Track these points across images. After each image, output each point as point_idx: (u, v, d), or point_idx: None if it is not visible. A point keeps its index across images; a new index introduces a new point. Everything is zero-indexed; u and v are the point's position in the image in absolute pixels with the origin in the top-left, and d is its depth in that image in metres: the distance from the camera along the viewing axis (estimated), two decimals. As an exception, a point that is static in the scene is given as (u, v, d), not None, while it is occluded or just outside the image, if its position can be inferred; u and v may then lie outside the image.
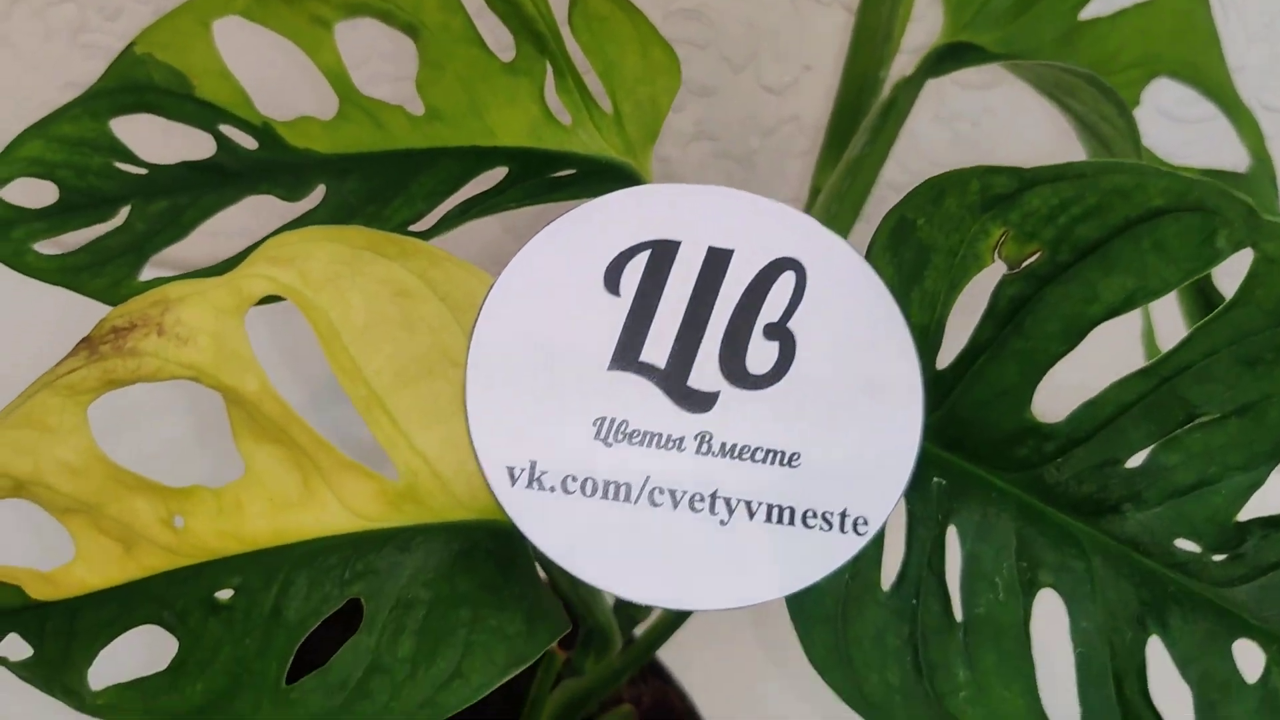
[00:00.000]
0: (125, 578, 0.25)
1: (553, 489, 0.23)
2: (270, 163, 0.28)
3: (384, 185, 0.27)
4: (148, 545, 0.24)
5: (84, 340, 0.23)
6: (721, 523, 0.23)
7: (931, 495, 0.24)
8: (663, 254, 0.24)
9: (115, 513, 0.24)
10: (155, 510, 0.24)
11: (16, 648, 0.26)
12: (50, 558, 0.26)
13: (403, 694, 0.22)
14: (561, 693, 0.34)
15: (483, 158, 0.27)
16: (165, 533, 0.24)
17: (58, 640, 0.25)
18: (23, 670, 0.26)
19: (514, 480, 0.23)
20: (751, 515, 0.23)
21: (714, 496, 0.23)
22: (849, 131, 0.33)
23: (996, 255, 0.22)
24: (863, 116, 0.33)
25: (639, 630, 0.35)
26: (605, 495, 0.23)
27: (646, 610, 0.34)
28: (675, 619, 0.33)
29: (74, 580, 0.25)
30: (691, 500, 0.23)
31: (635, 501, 0.23)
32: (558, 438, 0.23)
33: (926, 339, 0.24)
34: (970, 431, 0.24)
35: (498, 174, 0.28)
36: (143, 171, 0.29)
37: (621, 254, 0.24)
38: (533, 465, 0.23)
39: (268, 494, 0.24)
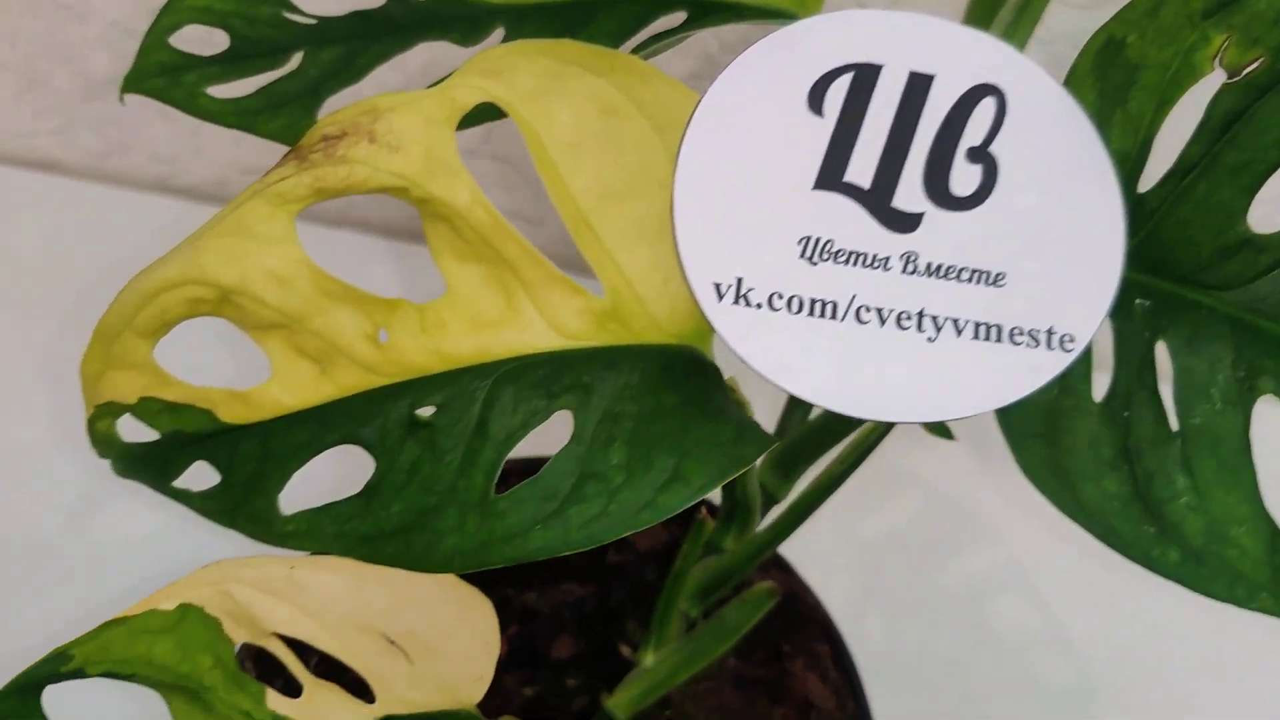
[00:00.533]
0: (322, 399, 0.25)
1: (759, 306, 0.23)
2: (443, 12, 0.28)
3: (562, 28, 0.27)
4: (347, 364, 0.24)
5: (293, 149, 0.23)
6: (929, 340, 0.23)
7: (1136, 316, 0.24)
8: (866, 77, 0.24)
9: (318, 327, 0.24)
10: (360, 324, 0.24)
11: (198, 479, 0.26)
12: (240, 385, 0.26)
13: (620, 497, 0.22)
14: (702, 570, 0.34)
15: (662, 1, 0.27)
16: (367, 349, 0.24)
17: (249, 465, 0.25)
18: (206, 502, 0.26)
19: (721, 296, 0.23)
20: (959, 332, 0.23)
21: (920, 314, 0.23)
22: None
23: (1216, 64, 0.22)
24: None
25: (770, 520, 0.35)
26: (812, 313, 0.23)
27: (788, 486, 0.34)
28: (816, 498, 0.33)
29: (269, 401, 0.25)
30: (898, 318, 0.23)
31: (842, 319, 0.23)
32: (764, 256, 0.23)
33: (1128, 162, 0.24)
34: (1174, 252, 0.24)
35: (676, 18, 0.28)
36: (312, 21, 0.29)
37: (825, 76, 0.24)
38: (739, 282, 0.23)
39: (470, 313, 0.24)
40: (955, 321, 0.23)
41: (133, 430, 0.26)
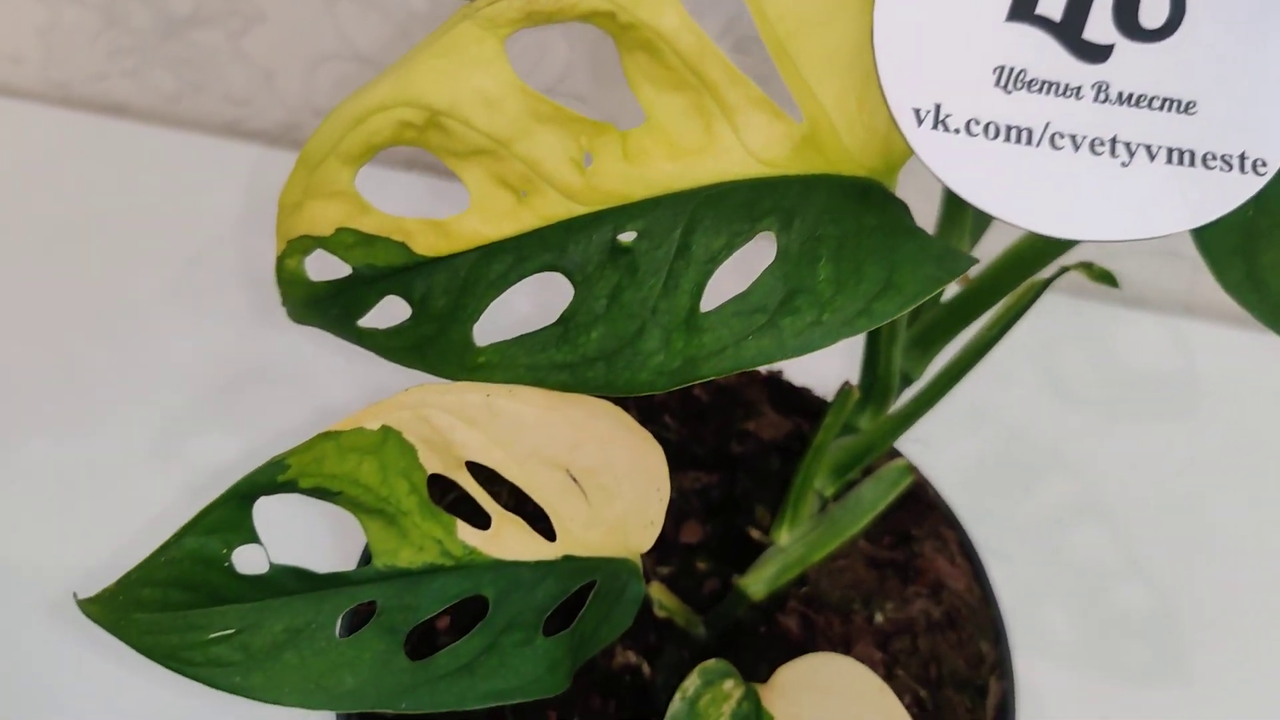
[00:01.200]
0: (520, 229, 0.25)
1: (957, 131, 0.24)
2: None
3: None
4: (549, 191, 0.25)
5: (503, -23, 0.24)
6: (1122, 164, 0.24)
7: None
8: (1057, -87, 0.25)
9: (524, 150, 0.24)
10: (565, 147, 0.24)
11: (384, 317, 0.26)
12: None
13: (833, 306, 0.23)
14: (837, 450, 0.34)
15: None
16: (571, 174, 0.24)
17: (442, 298, 0.25)
18: (393, 340, 0.26)
19: (920, 121, 0.24)
20: (1151, 157, 0.24)
21: (1114, 141, 0.24)
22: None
23: None
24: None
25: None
26: (1008, 138, 0.24)
27: (924, 365, 0.34)
28: (952, 376, 0.33)
29: (467, 232, 0.25)
30: (1092, 144, 0.24)
31: (1037, 144, 0.24)
32: (960, 84, 0.24)
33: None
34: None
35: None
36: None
37: (1017, -89, 0.24)
38: (937, 108, 0.24)
39: (670, 140, 0.24)
40: (1148, 147, 0.24)
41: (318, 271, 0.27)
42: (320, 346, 0.39)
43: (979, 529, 0.39)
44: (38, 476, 0.49)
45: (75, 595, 0.23)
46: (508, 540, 0.26)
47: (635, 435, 0.27)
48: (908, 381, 0.35)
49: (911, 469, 0.34)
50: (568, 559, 0.27)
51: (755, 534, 0.36)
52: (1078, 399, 0.58)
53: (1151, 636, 0.49)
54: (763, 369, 0.40)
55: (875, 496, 0.34)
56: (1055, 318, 0.62)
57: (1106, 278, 0.28)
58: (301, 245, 0.26)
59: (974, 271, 0.34)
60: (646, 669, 0.34)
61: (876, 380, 0.34)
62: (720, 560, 0.36)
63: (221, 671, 0.23)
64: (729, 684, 0.30)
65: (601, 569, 0.28)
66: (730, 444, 0.38)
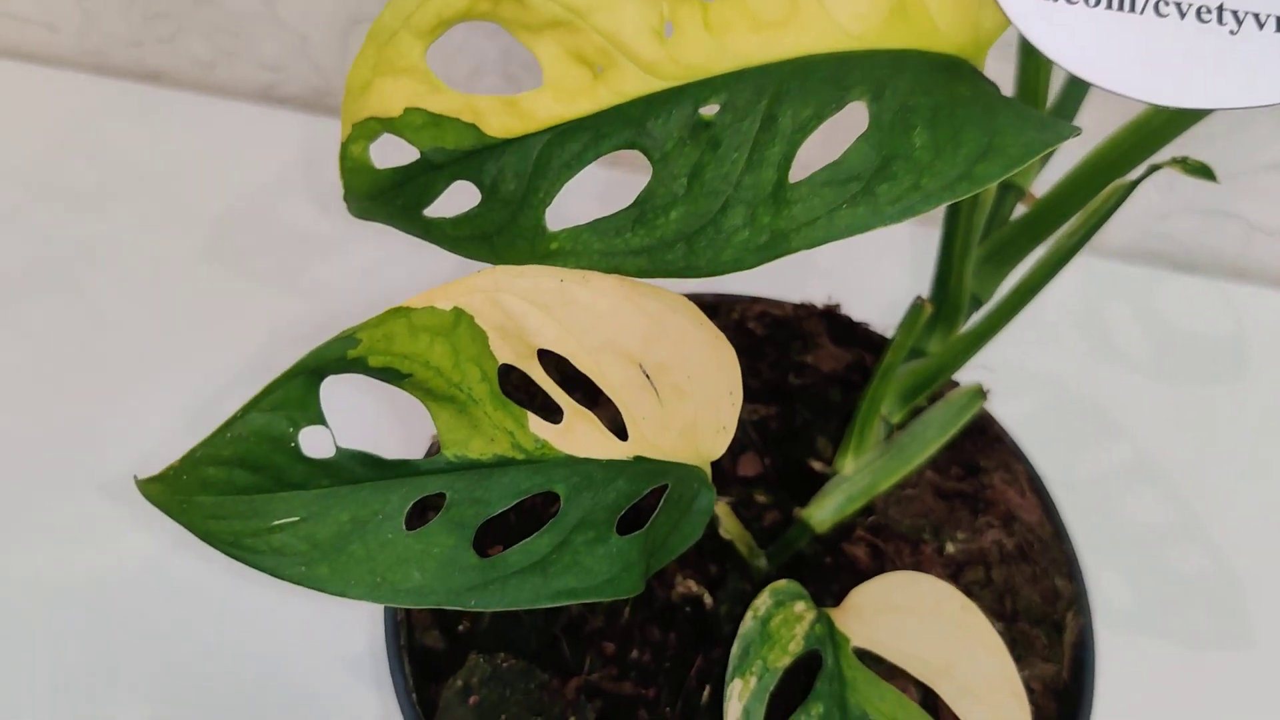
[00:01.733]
0: (597, 106, 0.24)
1: (1056, 0, 0.23)
2: None
3: None
4: (626, 65, 0.24)
5: None
6: (1230, 33, 0.23)
7: None
8: None
9: (601, 22, 0.23)
10: (645, 17, 0.23)
11: (450, 204, 0.25)
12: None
13: (933, 171, 0.21)
14: (904, 374, 0.33)
15: None
16: (651, 46, 0.23)
17: (513, 181, 0.24)
18: (460, 228, 0.25)
19: (1017, -11, 0.23)
20: (1260, 26, 0.23)
21: (1220, 9, 0.23)
22: None
23: None
24: None
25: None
26: (1109, 6, 0.23)
27: (994, 285, 0.33)
28: (1024, 295, 0.32)
29: (540, 111, 0.24)
30: (1198, 11, 0.23)
31: (1140, 12, 0.23)
32: (1057, -50, 0.23)
33: None
34: None
35: None
36: None
37: None
38: (1034, -25, 0.23)
39: (753, 12, 0.23)
40: (1256, 16, 0.23)
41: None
42: (353, 308, 0.38)
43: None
44: (75, 437, 0.48)
45: (137, 480, 0.22)
46: (580, 436, 0.25)
47: (708, 333, 0.26)
48: (977, 304, 0.34)
49: (983, 392, 0.33)
50: (639, 460, 0.26)
51: (817, 465, 0.35)
52: (1128, 363, 0.57)
53: (1210, 599, 0.48)
54: (819, 302, 0.39)
55: (946, 421, 0.33)
56: (1105, 281, 0.61)
57: (1203, 171, 0.27)
58: (368, 129, 0.25)
59: (1041, 188, 0.33)
60: (708, 599, 0.32)
61: (947, 299, 0.33)
62: (780, 493, 0.35)
63: (286, 561, 0.22)
64: (800, 606, 0.29)
65: (672, 473, 0.26)
66: (788, 376, 0.37)
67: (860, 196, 0.22)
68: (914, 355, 0.34)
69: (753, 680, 0.27)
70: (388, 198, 0.26)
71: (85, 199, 0.59)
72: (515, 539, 0.24)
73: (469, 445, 0.24)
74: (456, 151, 0.25)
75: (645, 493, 0.26)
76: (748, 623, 0.28)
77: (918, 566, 0.32)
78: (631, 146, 0.24)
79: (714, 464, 0.36)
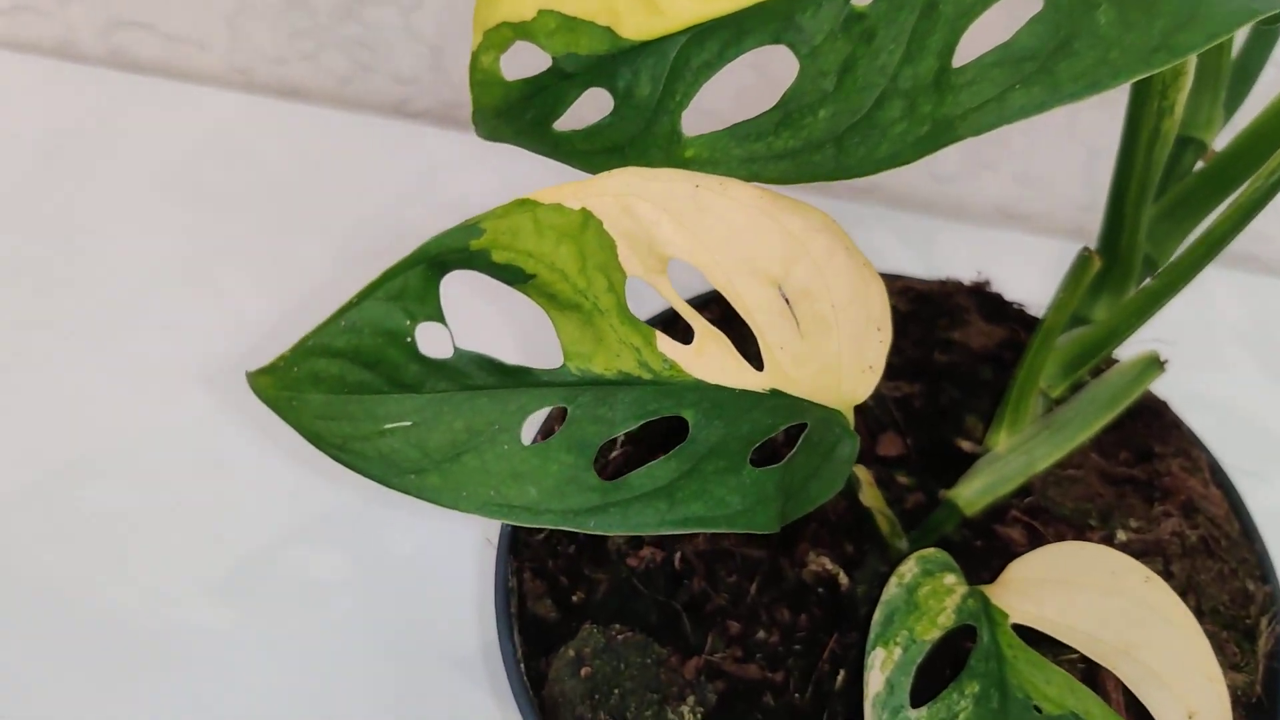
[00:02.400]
0: (741, 3, 0.22)
1: None
2: None
3: None
4: (774, -44, 0.22)
5: None
6: None
7: None
8: None
9: (750, -92, 0.22)
10: (797, -99, 0.22)
11: (577, 117, 0.24)
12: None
13: (1122, 44, 0.19)
14: (1066, 344, 0.30)
15: None
16: (801, -68, 0.22)
17: (648, 86, 0.23)
18: (592, 140, 0.24)
19: None
20: None
21: None
22: None
23: None
24: None
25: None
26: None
27: (1172, 247, 0.30)
28: (1203, 254, 0.29)
29: (681, 9, 0.23)
30: None
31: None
32: None
33: None
34: None
35: None
36: None
37: None
38: None
39: (914, -104, 0.22)
40: None
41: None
42: (474, 309, 0.37)
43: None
44: (202, 433, 0.49)
45: (247, 372, 0.21)
46: (711, 361, 0.23)
47: (856, 259, 0.24)
48: (1151, 267, 0.31)
49: (1160, 361, 0.30)
50: (775, 394, 0.24)
51: (965, 445, 0.32)
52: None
53: None
54: (966, 279, 0.37)
55: (1115, 394, 0.30)
56: (1266, 299, 0.56)
57: None
58: (499, 36, 0.24)
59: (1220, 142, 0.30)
60: (844, 579, 0.30)
61: (1118, 259, 0.30)
62: (924, 475, 0.32)
63: (395, 468, 0.21)
64: (950, 578, 0.26)
65: (812, 413, 0.24)
66: (933, 353, 0.34)
67: (1036, 75, 0.19)
68: (1076, 323, 0.31)
69: (897, 651, 0.24)
70: (517, 112, 0.24)
71: (226, 204, 0.60)
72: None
73: (593, 359, 0.22)
74: (590, 57, 0.23)
75: (781, 429, 0.23)
76: (891, 589, 0.25)
77: (1082, 552, 0.29)
78: (776, 42, 0.22)
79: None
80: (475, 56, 0.24)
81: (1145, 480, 0.31)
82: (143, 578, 0.39)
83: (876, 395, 0.33)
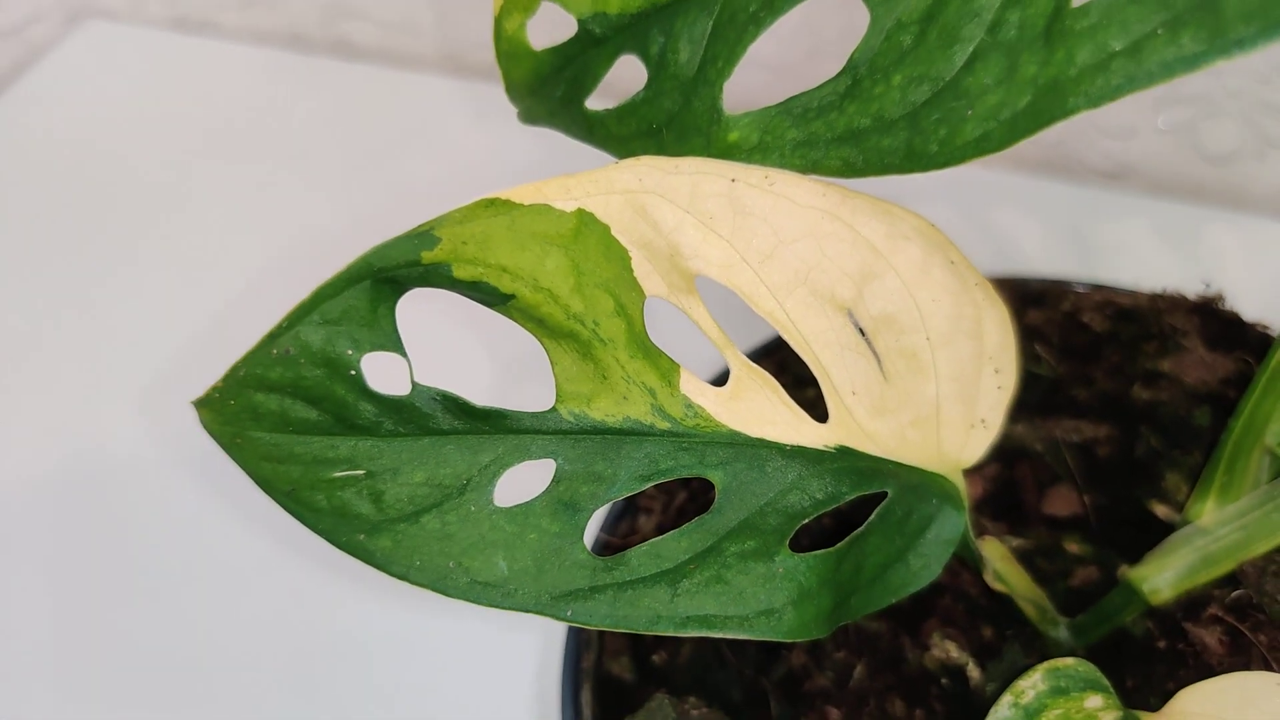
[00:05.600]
0: (797, -65, 0.17)
1: None
2: None
3: None
4: None
5: None
6: None
7: None
8: None
9: None
10: None
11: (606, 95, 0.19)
12: None
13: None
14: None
15: None
16: None
17: (686, 49, 0.18)
18: (624, 122, 0.19)
19: None
20: None
21: None
22: None
23: None
24: None
25: None
26: None
27: None
28: None
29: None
30: None
31: None
32: None
33: None
34: None
35: None
36: None
37: None
38: None
39: None
40: None
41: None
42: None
43: None
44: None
45: (192, 402, 0.18)
46: (753, 407, 0.18)
47: (963, 277, 0.18)
48: None
49: None
50: (844, 452, 0.18)
51: (1161, 511, 0.25)
52: None
53: None
54: (1192, 294, 0.28)
55: (1372, 461, 0.22)
56: None
57: None
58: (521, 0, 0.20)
59: None
60: (974, 670, 0.23)
61: None
62: (1103, 544, 0.25)
63: (344, 524, 0.17)
64: (1096, 700, 0.20)
65: (897, 477, 0.18)
66: (1133, 387, 0.27)
67: (1190, 13, 0.13)
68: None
69: (1000, 800, 0.18)
70: (549, 86, 0.20)
71: (420, 192, 0.60)
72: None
73: (593, 402, 0.18)
74: (622, 17, 0.19)
75: (849, 499, 0.18)
76: (1002, 709, 0.19)
77: (1309, 674, 0.21)
78: (842, -14, 0.17)
79: (1011, 495, 0.27)
80: (498, 22, 0.20)
81: None
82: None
83: (1048, 440, 0.26)
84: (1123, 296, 0.29)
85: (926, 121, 0.15)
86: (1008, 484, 0.27)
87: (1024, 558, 0.25)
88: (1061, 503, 0.26)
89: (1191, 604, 0.23)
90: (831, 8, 0.18)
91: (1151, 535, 0.24)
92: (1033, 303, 0.29)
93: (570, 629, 0.27)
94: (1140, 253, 0.45)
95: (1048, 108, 0.14)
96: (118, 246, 0.49)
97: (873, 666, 0.25)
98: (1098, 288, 0.29)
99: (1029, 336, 0.28)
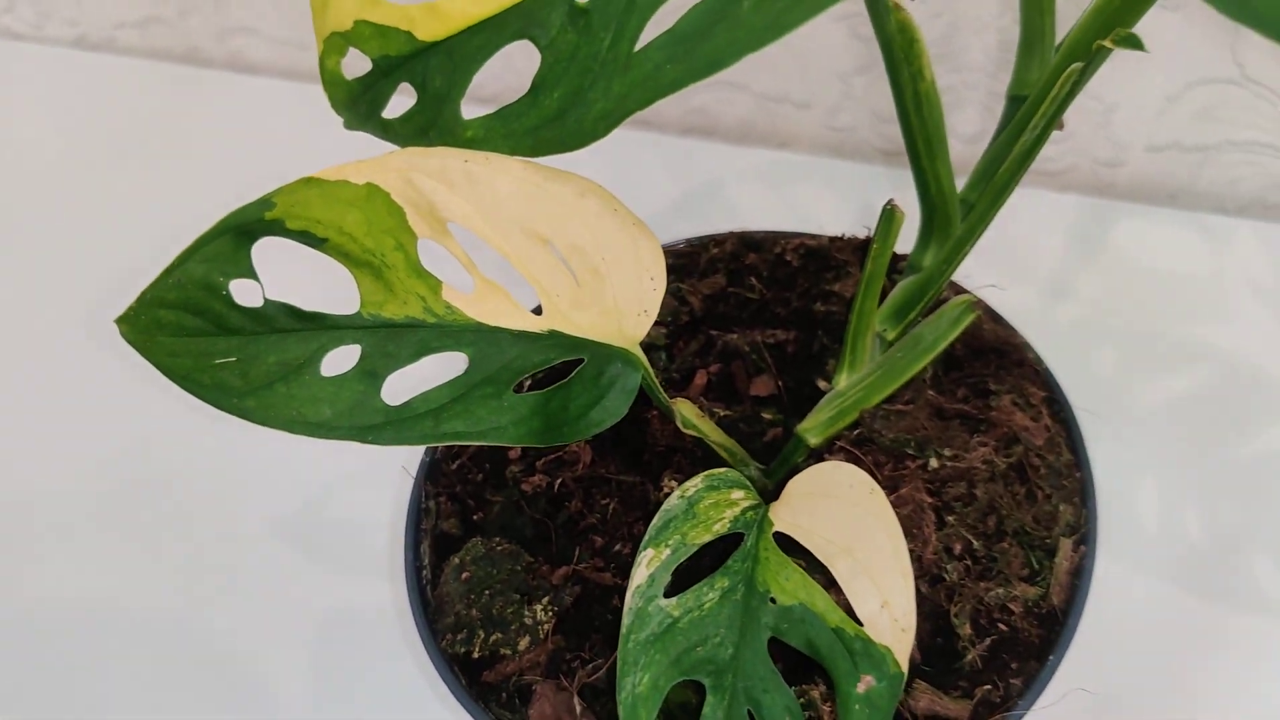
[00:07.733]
0: (501, 6, 0.27)
1: None
2: None
3: None
4: (520, -35, 0.26)
5: None
6: None
7: None
8: None
9: (495, -72, 0.26)
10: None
11: (396, 107, 0.29)
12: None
13: (750, 24, 0.22)
14: (900, 291, 0.33)
15: None
16: (535, -56, 0.26)
17: (438, 78, 0.28)
18: (405, 126, 0.29)
19: None
20: None
21: None
22: None
23: None
24: None
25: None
26: None
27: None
28: (1014, 169, 0.31)
29: (456, 13, 0.27)
30: None
31: None
32: None
33: None
34: None
35: None
36: None
37: None
38: None
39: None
40: None
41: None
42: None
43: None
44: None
45: (115, 320, 0.27)
46: (491, 306, 0.28)
47: (625, 219, 0.28)
48: (971, 207, 0.32)
49: (976, 305, 0.32)
50: (554, 334, 0.28)
51: (823, 385, 0.35)
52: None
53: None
54: (861, 233, 0.39)
55: (936, 335, 0.32)
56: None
57: (1131, 41, 0.25)
58: (335, 44, 0.29)
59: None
60: (688, 501, 0.33)
61: (935, 208, 0.32)
62: (790, 413, 0.35)
63: (224, 394, 0.27)
64: (738, 494, 0.30)
65: (590, 349, 0.28)
66: (815, 304, 0.37)
67: (681, 55, 0.23)
68: (912, 270, 0.33)
69: (665, 552, 0.28)
70: (358, 104, 0.30)
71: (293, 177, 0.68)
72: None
73: (384, 306, 0.27)
74: (399, 57, 0.28)
75: (556, 362, 0.28)
76: (673, 500, 0.29)
77: (895, 479, 0.32)
78: (523, 37, 0.26)
79: (728, 384, 0.37)
80: (322, 61, 0.30)
81: (974, 414, 0.33)
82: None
83: (752, 343, 0.37)
84: (810, 240, 0.39)
85: (568, 120, 0.25)
86: (726, 376, 0.37)
87: (732, 424, 0.35)
88: (762, 386, 0.36)
89: (831, 443, 0.33)
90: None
91: (817, 403, 0.34)
92: (753, 248, 0.40)
93: (411, 503, 0.37)
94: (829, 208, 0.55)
95: (625, 106, 0.24)
96: (17, 251, 0.57)
97: (626, 505, 0.34)
98: (794, 235, 0.40)
99: (745, 272, 0.39)
